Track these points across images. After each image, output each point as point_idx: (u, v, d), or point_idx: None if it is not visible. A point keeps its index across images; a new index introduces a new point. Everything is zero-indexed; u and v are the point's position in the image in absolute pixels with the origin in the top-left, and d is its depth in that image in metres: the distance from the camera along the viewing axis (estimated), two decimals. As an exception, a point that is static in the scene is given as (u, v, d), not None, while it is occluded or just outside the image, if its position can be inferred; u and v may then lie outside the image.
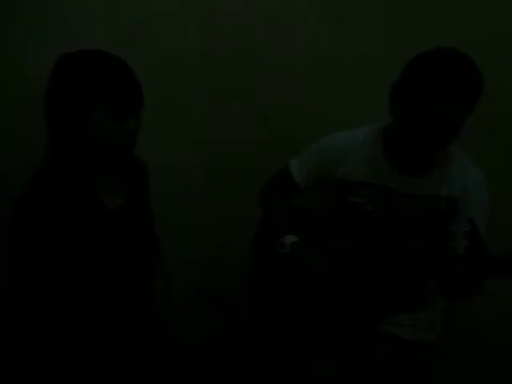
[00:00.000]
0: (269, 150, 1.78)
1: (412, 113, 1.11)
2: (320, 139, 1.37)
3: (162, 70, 1.61)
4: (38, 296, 1.08)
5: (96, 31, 1.36)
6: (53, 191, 1.05)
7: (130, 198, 1.21)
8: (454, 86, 1.05)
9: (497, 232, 1.22)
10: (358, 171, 1.29)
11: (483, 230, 1.20)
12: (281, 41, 1.69)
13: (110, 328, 1.16)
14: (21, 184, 1.07)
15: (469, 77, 1.06)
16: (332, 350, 1.33)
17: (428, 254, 1.24)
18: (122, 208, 1.18)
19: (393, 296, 1.29)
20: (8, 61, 1.18)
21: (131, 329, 1.21)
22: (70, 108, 1.02)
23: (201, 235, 1.97)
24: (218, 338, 1.80)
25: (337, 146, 1.33)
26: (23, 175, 1.10)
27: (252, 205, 1.48)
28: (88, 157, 1.09)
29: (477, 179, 1.25)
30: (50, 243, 1.04)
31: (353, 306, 1.31)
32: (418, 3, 1.49)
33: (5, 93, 1.19)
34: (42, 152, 1.11)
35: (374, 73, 1.56)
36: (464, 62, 1.08)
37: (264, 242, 1.45)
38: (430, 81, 1.07)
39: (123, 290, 1.18)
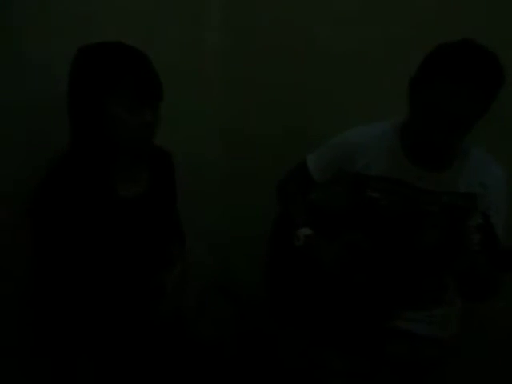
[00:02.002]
0: (284, 145, 1.80)
1: (423, 103, 1.10)
2: (336, 134, 1.37)
3: (177, 64, 1.61)
4: (53, 283, 1.10)
5: (108, 22, 1.37)
6: (69, 180, 1.07)
7: (149, 187, 1.22)
8: (465, 78, 1.04)
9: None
10: (375, 165, 1.29)
11: (501, 225, 1.19)
12: (297, 37, 1.70)
13: (122, 316, 1.18)
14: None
15: (486, 69, 1.05)
16: (346, 344, 1.32)
17: (444, 249, 1.23)
18: (140, 197, 1.19)
19: (408, 292, 1.28)
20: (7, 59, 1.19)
21: (142, 317, 1.22)
22: (89, 99, 1.03)
23: (215, 229, 2.00)
24: (229, 331, 1.81)
25: (354, 140, 1.33)
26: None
27: (267, 199, 1.49)
28: (107, 147, 1.10)
29: (496, 175, 1.23)
30: (65, 231, 1.06)
31: (367, 300, 1.30)
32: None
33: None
34: (46, 149, 1.14)
35: (387, 72, 1.56)
36: (483, 54, 1.06)
37: (281, 236, 1.45)
38: (442, 71, 1.06)
39: (136, 278, 1.20)
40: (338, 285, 1.31)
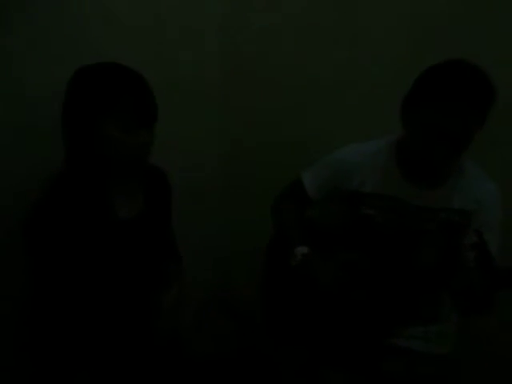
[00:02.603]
0: (283, 160, 1.81)
1: (421, 123, 1.12)
2: (335, 146, 1.38)
3: (176, 79, 1.64)
4: (48, 302, 1.10)
5: (108, 39, 1.39)
6: (65, 200, 1.07)
7: (145, 207, 1.22)
8: (462, 97, 1.06)
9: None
10: (370, 183, 1.30)
11: (496, 242, 1.20)
12: (294, 47, 1.72)
13: (118, 336, 1.17)
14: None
15: (478, 87, 1.07)
16: (343, 361, 1.32)
17: (440, 266, 1.24)
18: (136, 217, 1.19)
19: (405, 308, 1.28)
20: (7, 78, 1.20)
21: (139, 337, 1.22)
22: (84, 119, 1.04)
23: (215, 244, 2.01)
24: (229, 347, 1.81)
25: (349, 157, 1.34)
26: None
27: (266, 214, 1.48)
28: (102, 168, 1.11)
29: (490, 191, 1.24)
30: (60, 252, 1.06)
31: (364, 317, 1.30)
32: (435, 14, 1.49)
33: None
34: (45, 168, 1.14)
35: (387, 82, 1.57)
36: (474, 72, 1.08)
37: (277, 254, 1.45)
38: (439, 91, 1.08)
39: (133, 299, 1.20)
40: (334, 303, 1.31)
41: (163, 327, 1.28)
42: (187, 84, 1.72)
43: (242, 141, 1.93)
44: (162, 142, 1.17)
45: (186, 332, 1.40)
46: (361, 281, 1.28)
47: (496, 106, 1.09)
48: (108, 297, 1.14)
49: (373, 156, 1.31)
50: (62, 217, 1.06)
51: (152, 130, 1.11)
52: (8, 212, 1.22)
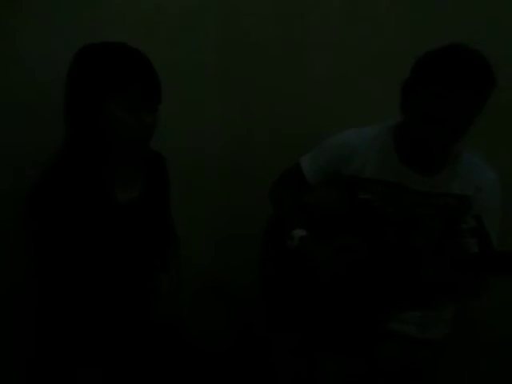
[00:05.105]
0: (283, 143, 1.81)
1: (420, 109, 1.11)
2: (331, 136, 1.38)
3: (177, 62, 1.63)
4: (50, 287, 1.10)
5: (109, 23, 1.38)
6: (65, 183, 1.06)
7: (144, 191, 1.22)
8: (460, 82, 1.05)
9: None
10: (369, 168, 1.30)
11: (497, 228, 1.20)
12: (295, 39, 1.71)
13: (118, 320, 1.17)
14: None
15: (477, 73, 1.06)
16: (341, 347, 1.33)
17: (437, 251, 1.24)
18: (135, 201, 1.19)
19: (401, 294, 1.29)
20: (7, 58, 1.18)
21: (139, 320, 1.22)
22: (89, 98, 1.02)
23: (211, 227, 2.01)
24: (225, 333, 1.82)
25: (348, 142, 1.33)
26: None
27: (264, 199, 1.49)
28: (104, 149, 1.10)
29: (489, 178, 1.24)
30: (61, 235, 1.05)
31: (361, 302, 1.31)
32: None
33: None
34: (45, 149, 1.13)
35: (385, 71, 1.56)
36: (473, 58, 1.08)
37: (274, 238, 1.46)
38: (438, 77, 1.07)
39: (131, 282, 1.19)
40: (331, 287, 1.31)
41: (162, 311, 1.28)
42: (187, 70, 1.71)
43: (242, 126, 1.93)
44: (162, 126, 1.16)
45: (183, 316, 1.40)
46: (357, 265, 1.28)
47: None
48: (107, 279, 1.14)
49: (372, 140, 1.31)
50: (62, 199, 1.05)
51: (156, 112, 1.11)
52: (7, 197, 1.21)
